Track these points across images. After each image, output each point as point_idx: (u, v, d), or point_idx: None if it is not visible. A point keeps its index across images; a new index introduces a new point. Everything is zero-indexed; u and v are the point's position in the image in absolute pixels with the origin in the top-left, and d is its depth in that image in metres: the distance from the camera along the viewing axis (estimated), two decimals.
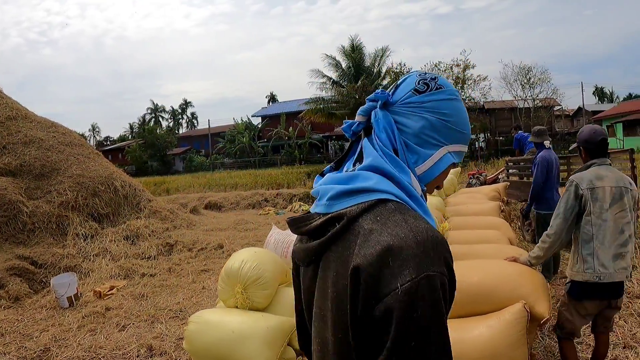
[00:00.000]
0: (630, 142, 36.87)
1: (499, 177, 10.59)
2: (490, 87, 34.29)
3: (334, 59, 31.80)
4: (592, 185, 2.85)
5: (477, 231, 4.71)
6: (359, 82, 28.63)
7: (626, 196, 2.86)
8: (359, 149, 0.96)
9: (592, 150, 3.01)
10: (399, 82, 1.00)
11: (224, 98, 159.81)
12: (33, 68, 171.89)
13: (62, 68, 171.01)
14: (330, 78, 32.16)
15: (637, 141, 35.35)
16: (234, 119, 49.76)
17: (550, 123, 35.93)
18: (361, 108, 0.98)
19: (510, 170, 9.77)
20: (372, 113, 0.96)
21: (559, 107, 37.40)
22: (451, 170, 1.10)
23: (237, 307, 3.27)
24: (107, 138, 70.60)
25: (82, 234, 7.64)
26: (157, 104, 66.57)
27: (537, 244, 3.06)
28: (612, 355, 3.52)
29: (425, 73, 0.99)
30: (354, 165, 0.95)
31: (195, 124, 67.73)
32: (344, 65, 31.85)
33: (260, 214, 13.91)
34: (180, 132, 64.72)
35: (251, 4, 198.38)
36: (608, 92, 75.13)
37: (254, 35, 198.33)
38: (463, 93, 30.01)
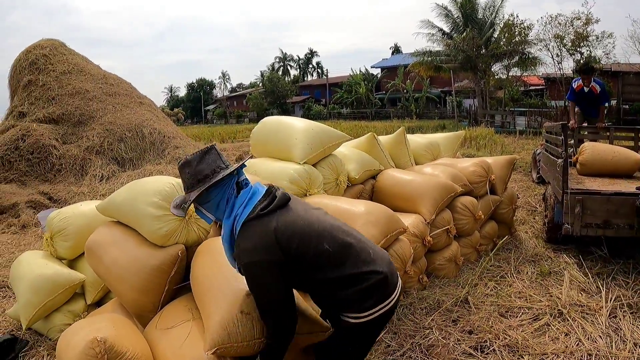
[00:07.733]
0: None
1: None
2: (614, 45, 29.19)
3: (445, 8, 29.96)
4: None
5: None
6: (464, 33, 26.79)
7: None
8: None
9: None
10: None
11: (355, 48, 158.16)
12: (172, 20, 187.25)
13: (199, 19, 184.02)
14: (440, 29, 30.48)
15: None
16: (351, 69, 49.60)
17: None
18: None
19: None
20: None
21: None
22: None
23: (51, 253, 3.75)
24: (240, 85, 74.70)
25: (100, 175, 8.79)
26: (285, 53, 68.33)
27: None
28: None
29: None
30: None
31: (321, 74, 68.51)
32: (454, 15, 29.89)
33: None
34: (307, 80, 66.33)
35: None
36: None
37: None
38: (587, 50, 26.49)
